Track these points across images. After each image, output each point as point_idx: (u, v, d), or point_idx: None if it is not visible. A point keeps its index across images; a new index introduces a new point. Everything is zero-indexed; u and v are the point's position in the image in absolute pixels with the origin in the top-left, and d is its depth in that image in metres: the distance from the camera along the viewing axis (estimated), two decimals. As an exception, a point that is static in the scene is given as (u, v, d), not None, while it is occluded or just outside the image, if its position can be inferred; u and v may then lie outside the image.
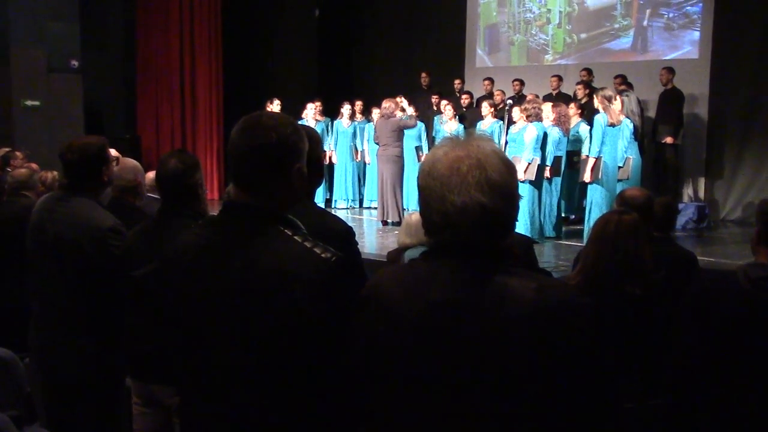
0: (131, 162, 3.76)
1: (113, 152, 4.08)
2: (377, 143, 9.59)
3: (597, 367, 1.40)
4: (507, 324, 1.34)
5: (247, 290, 1.60)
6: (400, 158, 9.39)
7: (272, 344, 1.58)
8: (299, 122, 2.21)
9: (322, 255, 1.61)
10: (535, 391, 1.33)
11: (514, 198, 1.42)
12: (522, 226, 7.63)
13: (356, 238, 2.37)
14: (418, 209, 1.49)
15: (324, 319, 1.57)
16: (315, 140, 2.32)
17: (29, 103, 9.74)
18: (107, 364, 2.98)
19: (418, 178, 1.46)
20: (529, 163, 8.01)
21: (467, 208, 1.37)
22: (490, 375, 1.34)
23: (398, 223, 8.59)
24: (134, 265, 2.74)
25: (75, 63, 10.02)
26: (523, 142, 8.10)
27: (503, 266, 1.40)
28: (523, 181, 7.90)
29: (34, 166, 5.36)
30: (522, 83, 10.80)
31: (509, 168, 1.42)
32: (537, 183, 8.11)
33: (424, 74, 11.79)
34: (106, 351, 2.96)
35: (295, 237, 1.65)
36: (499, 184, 1.38)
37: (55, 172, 4.99)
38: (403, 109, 10.41)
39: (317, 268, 1.59)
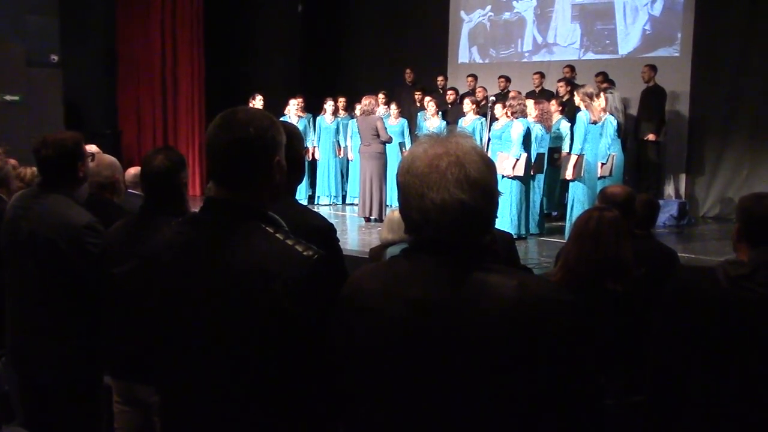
0: (108, 158, 3.71)
1: (92, 148, 4.03)
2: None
3: (577, 364, 1.39)
4: (486, 321, 1.33)
5: (228, 289, 1.58)
6: (383, 154, 9.37)
7: (252, 343, 1.56)
8: (282, 118, 2.19)
9: (304, 253, 1.59)
10: (516, 389, 1.33)
11: (493, 195, 1.42)
12: (508, 223, 7.64)
13: (339, 235, 2.36)
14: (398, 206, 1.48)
15: (305, 317, 1.56)
16: (296, 137, 2.30)
17: (8, 97, 9.59)
18: (85, 363, 2.94)
19: (397, 175, 1.45)
20: (517, 159, 7.98)
21: (446, 205, 1.37)
22: (469, 373, 1.34)
23: (381, 220, 8.58)
24: (115, 262, 2.71)
25: (54, 57, 9.89)
26: (509, 139, 8.07)
27: (483, 263, 1.40)
28: (512, 178, 7.91)
29: (12, 161, 5.27)
30: (508, 80, 10.80)
31: (488, 165, 1.42)
32: (525, 179, 8.10)
33: (408, 71, 11.78)
34: (84, 350, 2.91)
35: (277, 234, 1.63)
36: (478, 180, 1.38)
37: (35, 168, 4.90)
38: (387, 104, 10.39)
39: (299, 266, 1.57)
